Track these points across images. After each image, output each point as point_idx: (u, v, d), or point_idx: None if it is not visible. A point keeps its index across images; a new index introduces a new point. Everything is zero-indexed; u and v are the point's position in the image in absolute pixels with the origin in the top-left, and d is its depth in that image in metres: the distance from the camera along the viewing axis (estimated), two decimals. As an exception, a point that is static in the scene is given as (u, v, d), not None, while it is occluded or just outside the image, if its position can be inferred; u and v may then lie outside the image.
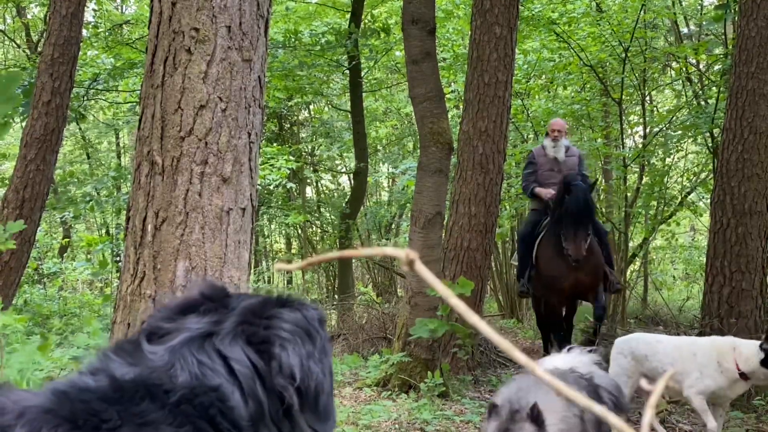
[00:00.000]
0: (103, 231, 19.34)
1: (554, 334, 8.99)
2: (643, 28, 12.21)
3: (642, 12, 11.72)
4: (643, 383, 0.78)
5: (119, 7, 18.99)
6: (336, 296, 14.98)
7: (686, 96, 13.27)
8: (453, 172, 8.77)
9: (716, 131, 10.14)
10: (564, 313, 9.14)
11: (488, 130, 8.32)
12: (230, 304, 1.44)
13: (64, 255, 18.89)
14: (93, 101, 15.54)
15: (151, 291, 4.03)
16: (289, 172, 14.47)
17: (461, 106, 9.98)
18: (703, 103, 12.01)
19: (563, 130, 9.46)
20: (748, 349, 5.58)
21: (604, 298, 8.83)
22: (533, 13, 12.63)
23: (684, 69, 12.98)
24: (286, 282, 19.89)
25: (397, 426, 6.32)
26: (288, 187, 16.19)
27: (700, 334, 7.78)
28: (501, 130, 8.44)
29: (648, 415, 0.71)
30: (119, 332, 4.12)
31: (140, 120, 4.26)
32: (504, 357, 9.61)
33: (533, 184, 9.22)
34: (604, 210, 13.53)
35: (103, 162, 20.60)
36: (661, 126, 13.13)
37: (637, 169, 13.34)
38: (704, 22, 12.91)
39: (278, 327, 1.38)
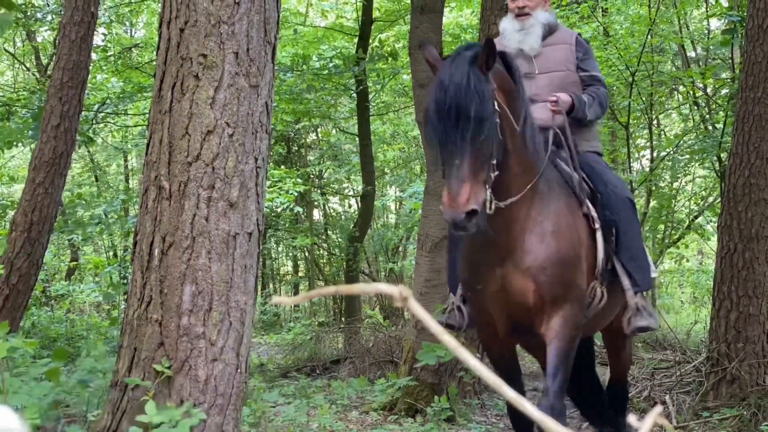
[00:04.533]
0: (111, 253, 19.37)
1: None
2: (650, 52, 12.24)
3: (649, 36, 11.74)
4: (632, 419, 0.79)
5: (128, 31, 19.10)
6: (343, 319, 14.96)
7: (693, 120, 13.28)
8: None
9: (723, 155, 10.14)
10: (510, 353, 5.04)
11: (495, 154, 8.31)
12: None
13: (72, 277, 18.92)
14: (102, 125, 15.61)
15: (158, 315, 4.05)
16: (296, 195, 14.51)
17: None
18: (710, 127, 12.01)
19: None
20: None
21: (565, 352, 4.49)
22: (540, 37, 12.63)
23: (691, 93, 12.99)
24: (294, 305, 19.87)
25: (403, 450, 6.31)
26: (295, 210, 16.22)
27: (708, 359, 7.76)
28: (508, 154, 8.38)
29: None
30: (126, 357, 4.14)
31: (148, 145, 4.29)
32: (511, 381, 9.56)
33: None
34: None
35: (111, 185, 20.67)
36: (668, 150, 13.13)
37: (645, 193, 13.33)
38: (711, 47, 12.93)
39: None
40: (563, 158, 4.86)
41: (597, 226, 4.71)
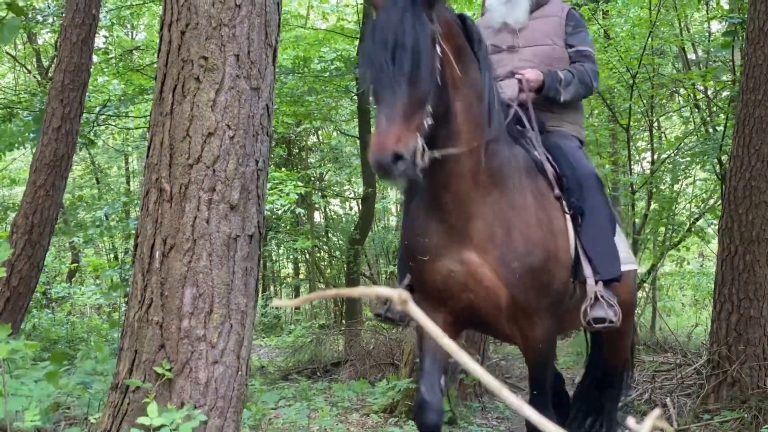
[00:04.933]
0: (112, 256, 19.38)
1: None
2: (651, 54, 12.24)
3: (650, 39, 11.75)
4: (630, 422, 0.79)
5: (129, 33, 19.11)
6: (343, 321, 14.96)
7: (694, 122, 13.27)
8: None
9: (724, 158, 10.14)
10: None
11: (496, 156, 8.28)
12: None
13: (73, 279, 18.92)
14: (103, 127, 15.62)
15: (159, 318, 4.04)
16: (297, 197, 14.52)
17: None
18: (711, 129, 12.02)
19: None
20: None
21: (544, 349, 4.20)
22: (541, 40, 12.62)
23: (692, 95, 12.99)
24: (294, 307, 19.86)
25: (403, 453, 6.30)
26: (296, 212, 16.22)
27: (709, 361, 7.75)
28: (508, 156, 8.34)
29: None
30: (127, 359, 4.14)
31: (149, 147, 4.29)
32: (512, 383, 9.56)
33: None
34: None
35: (112, 187, 20.69)
36: (669, 152, 13.13)
37: (645, 196, 13.33)
38: (712, 49, 12.93)
39: None
40: (530, 139, 4.46)
41: (569, 217, 4.28)
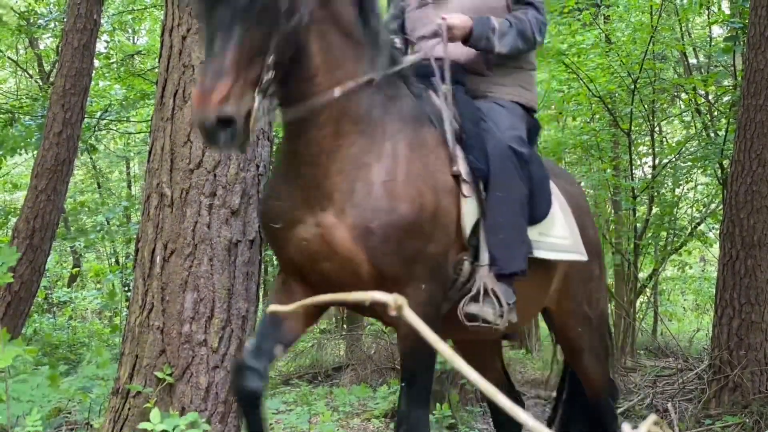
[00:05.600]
0: (113, 260, 19.37)
1: None
2: (652, 59, 12.23)
3: (651, 43, 11.74)
4: (626, 428, 0.79)
5: (131, 38, 19.12)
6: (344, 326, 14.95)
7: (695, 127, 13.27)
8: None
9: (725, 163, 10.14)
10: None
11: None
12: None
13: (74, 284, 18.91)
14: (104, 132, 15.62)
15: (160, 323, 4.05)
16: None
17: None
18: (712, 134, 12.01)
19: None
20: None
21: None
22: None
23: (693, 100, 12.98)
24: (295, 312, 19.83)
25: (404, 458, 6.28)
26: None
27: (710, 366, 7.74)
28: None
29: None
30: (127, 364, 4.14)
31: (150, 152, 4.30)
32: (513, 388, 9.54)
33: None
34: (613, 241, 13.48)
35: (113, 191, 20.68)
36: (670, 157, 13.12)
37: (647, 200, 13.32)
38: (713, 54, 12.93)
39: None
40: (439, 94, 3.73)
41: (465, 179, 3.51)
